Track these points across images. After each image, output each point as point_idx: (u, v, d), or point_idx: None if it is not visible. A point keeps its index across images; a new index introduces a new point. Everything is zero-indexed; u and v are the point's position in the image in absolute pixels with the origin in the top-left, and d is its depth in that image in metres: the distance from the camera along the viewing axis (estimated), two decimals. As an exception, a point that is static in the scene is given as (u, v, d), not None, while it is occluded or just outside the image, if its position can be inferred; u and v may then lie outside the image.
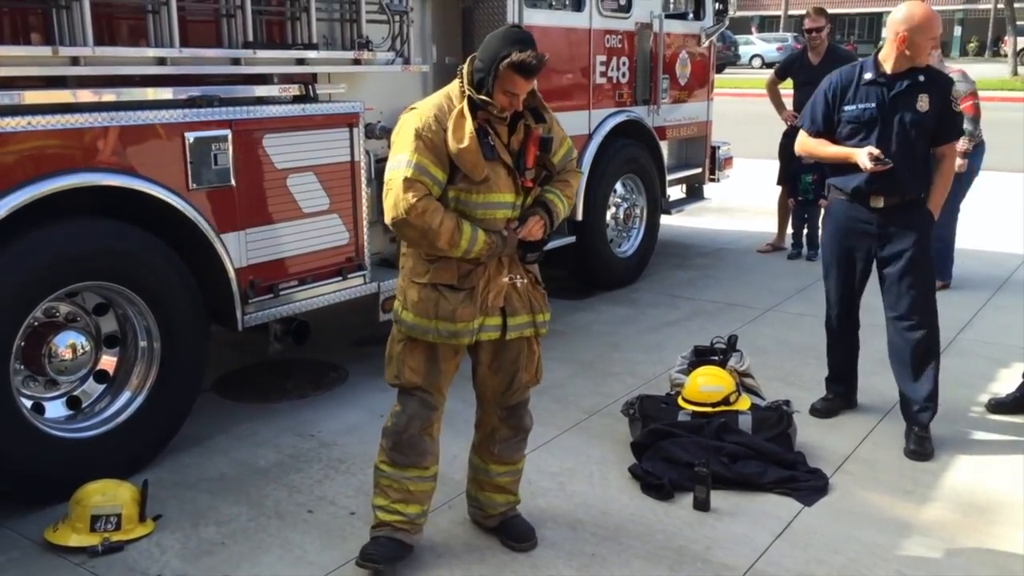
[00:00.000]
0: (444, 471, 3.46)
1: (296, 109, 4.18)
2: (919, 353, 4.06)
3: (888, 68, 3.95)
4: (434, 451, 3.16)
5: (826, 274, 4.35)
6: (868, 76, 4.00)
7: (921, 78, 3.93)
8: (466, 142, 2.86)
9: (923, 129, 3.94)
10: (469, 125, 2.88)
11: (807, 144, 4.21)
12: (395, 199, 2.87)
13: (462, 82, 2.96)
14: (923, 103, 3.92)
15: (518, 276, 3.08)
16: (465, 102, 2.91)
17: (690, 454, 3.72)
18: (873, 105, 3.96)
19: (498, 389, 3.18)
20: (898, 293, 4.07)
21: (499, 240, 2.96)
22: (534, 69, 2.85)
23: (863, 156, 3.87)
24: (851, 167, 3.98)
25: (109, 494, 3.31)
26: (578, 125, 6.12)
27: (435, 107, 2.94)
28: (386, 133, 4.80)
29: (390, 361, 3.12)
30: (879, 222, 4.05)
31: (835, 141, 4.08)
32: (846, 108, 4.03)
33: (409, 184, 2.85)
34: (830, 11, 7.90)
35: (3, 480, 3.38)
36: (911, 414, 4.11)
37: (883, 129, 3.94)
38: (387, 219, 2.93)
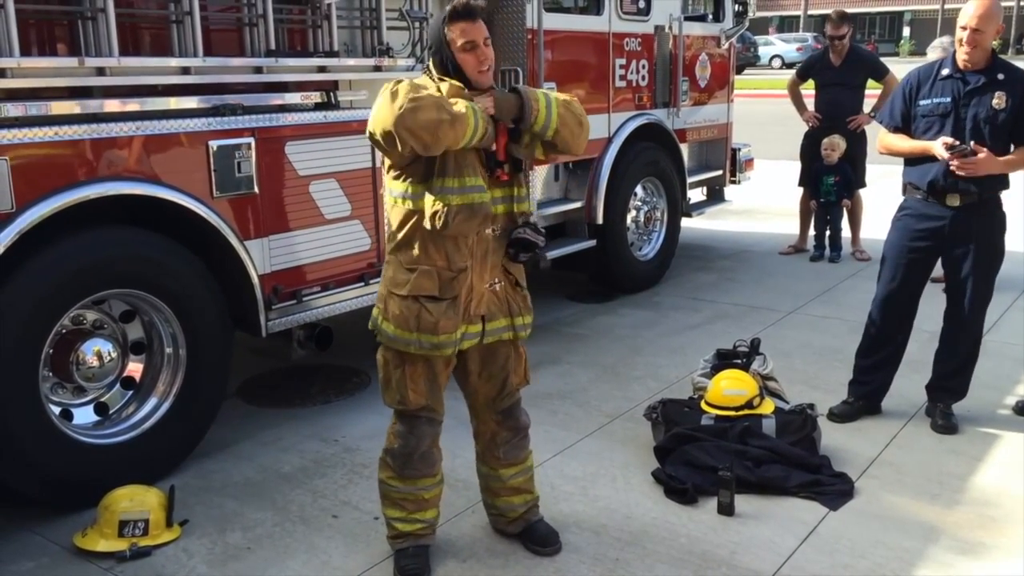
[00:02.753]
0: (465, 476, 3.48)
1: (318, 116, 4.21)
2: (960, 340, 4.21)
3: (962, 64, 3.96)
4: (440, 457, 3.18)
5: (883, 271, 4.30)
6: (945, 71, 4.03)
7: (1000, 76, 3.94)
8: (446, 88, 2.82)
9: (998, 126, 3.93)
10: (445, 84, 2.84)
11: (885, 140, 4.24)
12: (395, 91, 2.71)
13: (431, 75, 2.93)
14: (999, 100, 3.92)
15: (497, 280, 3.05)
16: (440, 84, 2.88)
17: (714, 458, 3.70)
18: (948, 99, 3.99)
19: (490, 395, 3.18)
20: (960, 290, 4.14)
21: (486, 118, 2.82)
22: (470, 9, 2.83)
23: (938, 146, 3.89)
24: (926, 163, 4.00)
25: (137, 499, 3.35)
26: (598, 128, 6.10)
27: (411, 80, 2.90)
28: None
29: (387, 386, 3.05)
30: (952, 220, 4.04)
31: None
32: (921, 102, 4.06)
33: (402, 82, 2.76)
34: (850, 11, 7.85)
35: (33, 486, 3.42)
36: (938, 391, 4.26)
37: (956, 124, 3.96)
38: (392, 116, 2.67)
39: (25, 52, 3.34)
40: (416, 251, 2.93)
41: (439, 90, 2.84)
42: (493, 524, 3.40)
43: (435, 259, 2.92)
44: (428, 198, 2.84)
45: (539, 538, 3.30)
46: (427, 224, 2.85)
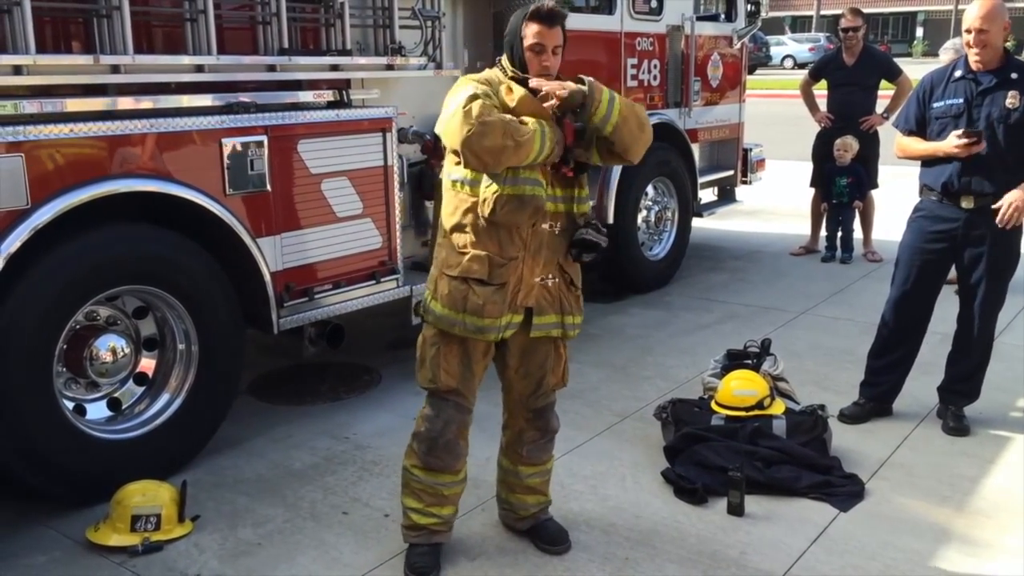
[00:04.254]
0: (476, 474, 3.49)
1: (330, 115, 4.22)
2: (973, 342, 4.19)
3: (975, 65, 3.95)
4: (465, 454, 3.17)
5: (897, 273, 4.29)
6: (958, 73, 4.04)
7: (1014, 75, 3.94)
8: (518, 95, 2.86)
9: (1011, 126, 3.92)
10: (516, 87, 2.89)
11: (900, 144, 4.24)
12: (468, 110, 2.75)
13: (502, 67, 3.00)
14: (1013, 100, 3.91)
15: (550, 276, 3.06)
16: (507, 77, 2.95)
17: (724, 458, 3.70)
18: (960, 100, 3.99)
19: (525, 392, 3.19)
20: (973, 293, 4.14)
21: (555, 132, 2.86)
22: (552, 14, 2.89)
23: (951, 139, 3.91)
24: (941, 165, 4.00)
25: (149, 494, 3.37)
26: (609, 128, 6.10)
27: (484, 77, 2.98)
28: (419, 137, 4.85)
29: (423, 364, 3.10)
30: (966, 222, 4.03)
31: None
32: (935, 105, 4.07)
33: (478, 97, 2.79)
34: (863, 11, 7.81)
35: (46, 480, 3.45)
36: (950, 393, 4.25)
37: (969, 124, 3.96)
38: (460, 136, 2.74)
39: (41, 49, 3.36)
40: (470, 235, 2.97)
41: (510, 90, 2.87)
42: (503, 519, 3.41)
43: (487, 245, 2.95)
44: (482, 184, 2.88)
45: (549, 537, 3.30)
46: (479, 210, 2.89)
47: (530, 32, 2.90)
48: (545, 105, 2.86)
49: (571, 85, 2.88)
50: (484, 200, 2.87)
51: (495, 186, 2.84)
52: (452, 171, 2.99)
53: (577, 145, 2.96)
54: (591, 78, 2.94)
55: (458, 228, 3.00)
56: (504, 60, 3.02)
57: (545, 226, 2.99)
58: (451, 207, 3.01)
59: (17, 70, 3.29)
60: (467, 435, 3.16)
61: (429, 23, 4.74)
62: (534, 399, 3.19)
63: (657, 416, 4.18)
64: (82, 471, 3.51)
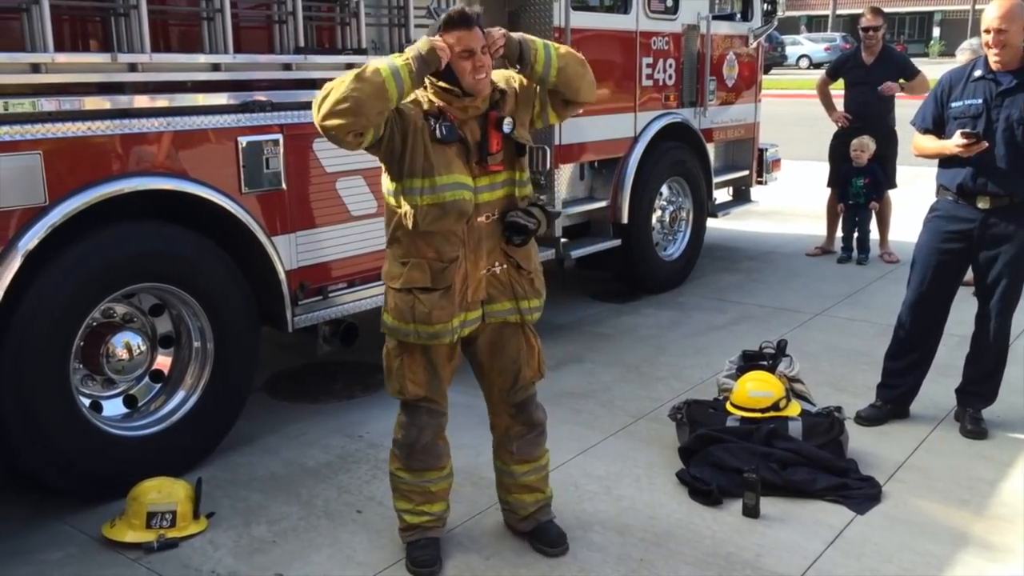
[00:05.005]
0: (488, 474, 3.48)
1: (346, 113, 4.21)
2: (991, 344, 4.16)
3: (994, 65, 3.93)
4: (447, 451, 3.21)
5: (913, 273, 4.26)
6: (977, 73, 4.00)
7: None
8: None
9: None
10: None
11: (916, 142, 4.22)
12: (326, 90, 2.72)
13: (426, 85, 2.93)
14: None
15: (496, 264, 3.03)
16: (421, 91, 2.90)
17: (739, 460, 3.68)
18: (979, 101, 3.96)
19: (503, 388, 3.19)
20: (990, 294, 4.10)
21: (417, 53, 2.75)
22: (465, 16, 2.80)
23: (955, 138, 3.89)
24: (956, 165, 3.98)
25: (164, 491, 3.38)
26: (623, 128, 6.10)
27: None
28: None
29: (389, 375, 3.10)
30: (983, 222, 4.01)
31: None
32: (953, 105, 4.04)
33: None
34: (882, 10, 7.76)
35: (63, 476, 3.47)
36: (968, 395, 4.23)
37: (988, 125, 3.92)
38: (315, 117, 2.74)
39: (59, 48, 3.38)
40: (406, 245, 2.97)
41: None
42: (505, 520, 3.41)
43: (424, 251, 2.95)
44: (402, 197, 2.90)
45: (547, 539, 3.29)
46: (404, 222, 2.91)
47: (452, 40, 2.80)
48: (492, 51, 2.84)
49: (510, 34, 2.88)
50: (405, 213, 2.90)
51: (415, 197, 2.86)
52: (383, 182, 3.00)
53: (515, 129, 2.94)
54: (519, 33, 2.94)
55: (394, 240, 3.00)
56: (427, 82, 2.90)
57: (482, 219, 2.96)
58: (387, 219, 3.03)
59: (35, 68, 3.31)
60: (445, 435, 3.19)
61: (444, 22, 4.72)
62: (513, 393, 3.19)
63: (672, 417, 4.17)
64: (98, 467, 3.53)
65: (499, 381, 3.18)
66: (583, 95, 3.05)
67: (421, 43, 2.80)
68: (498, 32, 2.88)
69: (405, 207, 2.89)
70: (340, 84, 2.70)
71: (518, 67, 2.93)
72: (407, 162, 2.87)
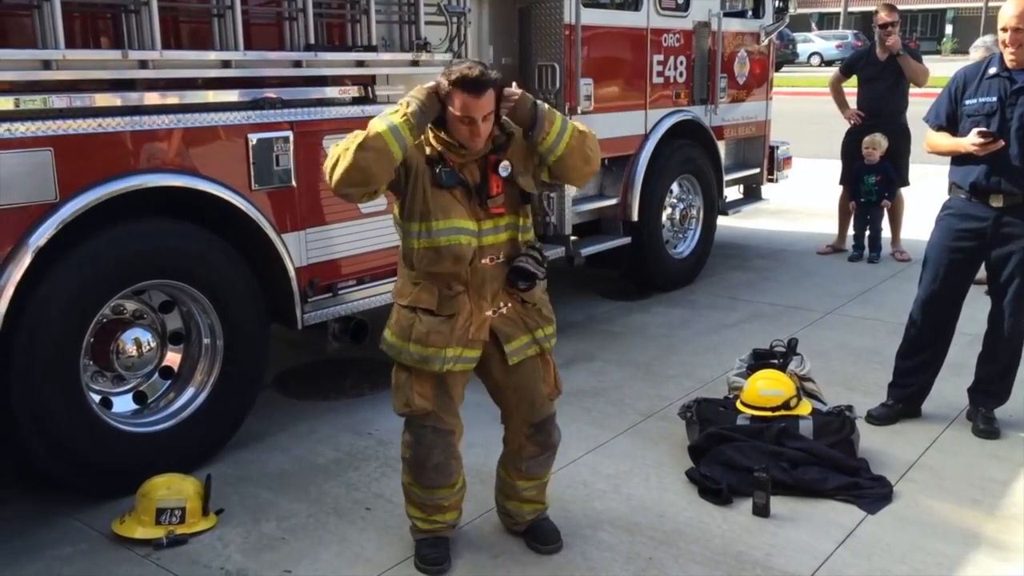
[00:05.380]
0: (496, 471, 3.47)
1: (356, 110, 4.22)
2: (1003, 343, 4.13)
3: (1010, 63, 3.90)
4: (459, 467, 3.17)
5: (925, 272, 4.24)
6: (992, 70, 3.98)
7: None
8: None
9: None
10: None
11: (929, 139, 4.20)
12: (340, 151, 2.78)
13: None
14: None
15: (502, 305, 3.03)
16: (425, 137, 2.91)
17: (749, 459, 3.66)
18: (994, 99, 3.93)
19: (521, 408, 3.15)
20: (1003, 293, 4.07)
21: (417, 106, 2.79)
22: (480, 82, 2.75)
23: (971, 136, 3.86)
24: (969, 162, 3.96)
25: (174, 488, 3.39)
26: (634, 125, 6.08)
27: None
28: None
29: (397, 390, 3.08)
30: (996, 220, 3.98)
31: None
32: (967, 102, 4.01)
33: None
34: (895, 7, 7.71)
35: (73, 472, 3.48)
36: (980, 395, 4.20)
37: (1002, 123, 3.90)
38: (331, 184, 2.79)
39: (70, 44, 3.38)
40: (418, 270, 2.99)
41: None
42: (501, 521, 3.40)
43: (433, 279, 2.97)
44: (403, 237, 2.97)
45: (542, 536, 3.28)
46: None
47: (458, 103, 2.77)
48: (505, 110, 2.87)
49: (516, 104, 2.86)
50: (405, 255, 2.97)
51: (412, 240, 2.91)
52: (394, 210, 3.04)
53: (519, 176, 2.94)
54: (546, 105, 2.93)
55: (408, 262, 3.02)
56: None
57: (485, 261, 2.97)
58: (401, 240, 3.04)
59: (46, 65, 3.31)
60: (457, 454, 3.15)
61: (455, 19, 4.72)
62: (531, 413, 3.15)
63: (681, 415, 4.15)
64: (108, 464, 3.54)
65: (515, 399, 3.15)
66: (571, 182, 3.14)
67: (418, 92, 2.82)
68: (514, 94, 2.86)
69: (404, 249, 2.99)
70: (345, 153, 2.75)
71: (525, 133, 2.92)
72: (407, 204, 2.91)
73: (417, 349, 2.96)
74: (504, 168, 2.92)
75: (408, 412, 3.07)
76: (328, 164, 2.80)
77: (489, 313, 3.01)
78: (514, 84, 2.93)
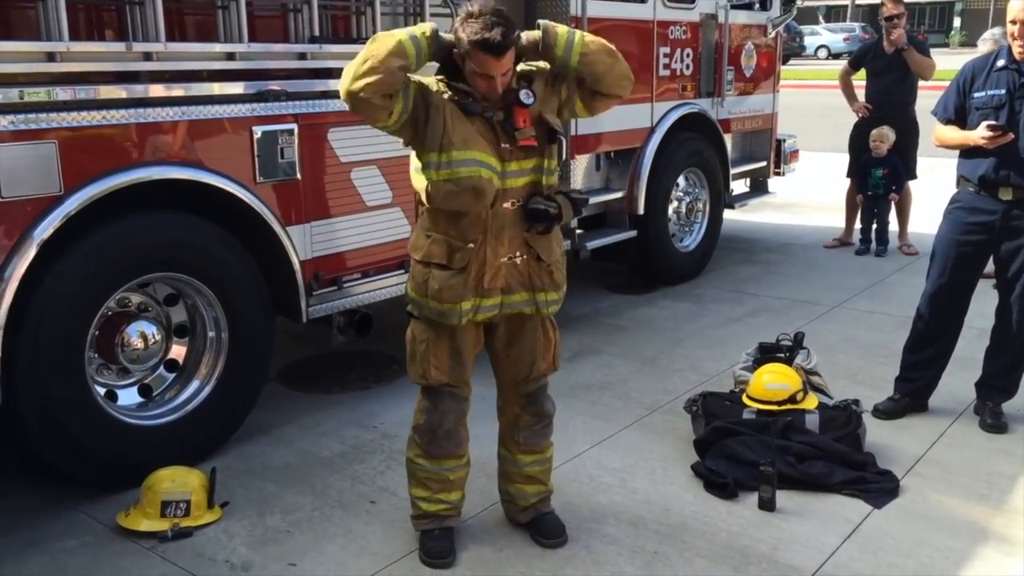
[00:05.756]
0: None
1: (360, 103, 4.20)
2: (1011, 337, 4.10)
3: (1019, 56, 3.88)
4: (467, 439, 3.21)
5: (933, 265, 4.21)
6: (1001, 63, 3.95)
7: None
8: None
9: None
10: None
11: (937, 133, 4.17)
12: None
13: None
14: None
15: (517, 254, 2.98)
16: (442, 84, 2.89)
17: (755, 453, 3.65)
18: (1002, 91, 3.91)
19: (516, 378, 3.17)
20: (1012, 287, 4.05)
21: (434, 32, 2.78)
22: (500, 46, 2.70)
23: (980, 129, 3.84)
24: (978, 155, 3.93)
25: (179, 480, 3.39)
26: (640, 118, 6.06)
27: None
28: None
29: (413, 360, 3.08)
30: (1005, 214, 3.96)
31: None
32: (976, 95, 3.99)
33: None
34: (901, 0, 7.66)
35: (78, 465, 3.48)
36: (988, 389, 4.18)
37: (1011, 116, 3.87)
38: (343, 96, 2.77)
39: (74, 36, 3.37)
40: (431, 221, 2.97)
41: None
42: (505, 512, 3.39)
43: (446, 229, 2.93)
44: (421, 172, 2.89)
45: (546, 530, 3.27)
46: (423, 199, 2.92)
47: (478, 62, 2.75)
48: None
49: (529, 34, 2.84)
50: (421, 190, 2.89)
51: (431, 172, 2.84)
52: (412, 161, 2.99)
53: (529, 125, 2.87)
54: (546, 21, 2.88)
55: (424, 212, 3.02)
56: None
57: (507, 205, 2.92)
58: (416, 196, 3.04)
59: (50, 57, 3.30)
60: (466, 422, 3.18)
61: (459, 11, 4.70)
62: (525, 384, 3.17)
63: (687, 409, 4.14)
64: (113, 456, 3.54)
65: (513, 371, 3.17)
66: (609, 85, 2.95)
67: (430, 32, 2.80)
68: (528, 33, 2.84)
69: (420, 183, 2.89)
70: (359, 54, 2.73)
71: (540, 51, 2.88)
72: (427, 134, 2.84)
73: (435, 305, 2.95)
74: (526, 95, 2.85)
75: (425, 383, 3.08)
76: (344, 72, 2.74)
77: (503, 260, 2.96)
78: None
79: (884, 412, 4.27)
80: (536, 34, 2.86)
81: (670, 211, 6.51)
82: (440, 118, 2.83)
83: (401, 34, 2.74)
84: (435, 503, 3.18)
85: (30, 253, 3.18)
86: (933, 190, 7.75)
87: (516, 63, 2.87)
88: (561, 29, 2.87)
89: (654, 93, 6.11)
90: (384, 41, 2.72)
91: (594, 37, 2.94)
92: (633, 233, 6.12)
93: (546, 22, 2.88)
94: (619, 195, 6.07)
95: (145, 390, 3.81)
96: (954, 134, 4.06)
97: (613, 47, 2.94)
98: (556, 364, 3.21)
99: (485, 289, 2.96)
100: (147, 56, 3.57)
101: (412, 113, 2.83)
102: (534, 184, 2.96)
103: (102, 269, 3.43)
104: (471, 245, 2.91)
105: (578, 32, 2.91)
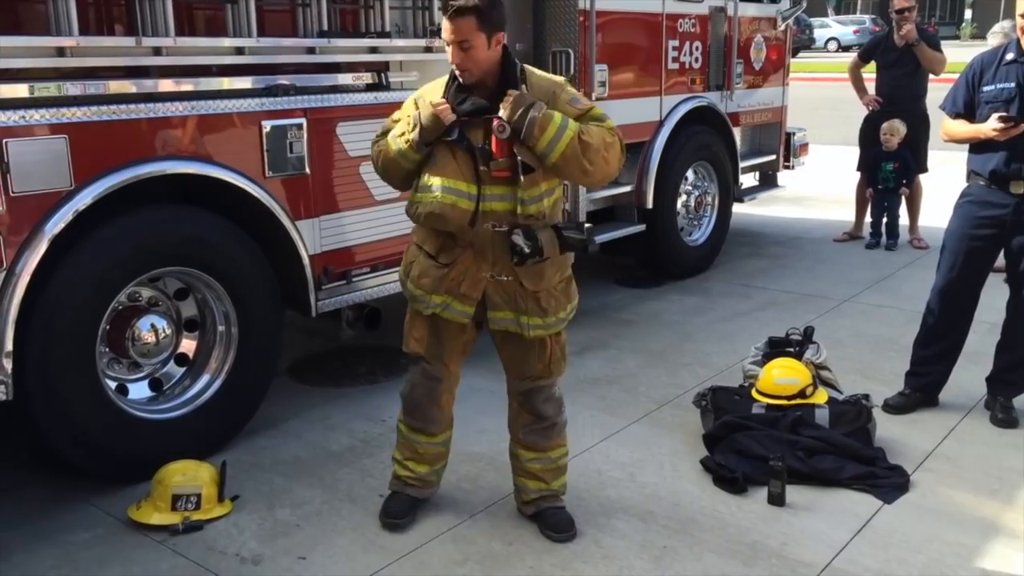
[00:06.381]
0: (508, 460, 3.46)
1: (369, 97, 4.21)
2: (1022, 332, 4.10)
3: None
4: (441, 420, 3.30)
5: (943, 259, 4.20)
6: (1010, 56, 3.94)
7: None
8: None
9: None
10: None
11: (946, 126, 4.16)
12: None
13: None
14: None
15: (504, 275, 3.01)
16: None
17: (765, 447, 3.64)
18: (1012, 84, 3.89)
19: (513, 375, 3.23)
20: (1021, 281, 4.04)
21: (419, 122, 2.93)
22: (457, 9, 2.78)
23: (991, 121, 3.83)
24: (988, 150, 3.91)
25: (189, 474, 3.40)
26: (649, 111, 6.04)
27: (417, 93, 3.14)
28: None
29: (405, 332, 3.24)
30: (1016, 208, 3.94)
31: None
32: (985, 88, 3.97)
33: (375, 143, 3.17)
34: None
35: (89, 458, 3.50)
36: (998, 384, 4.17)
37: (1021, 109, 3.86)
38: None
39: (84, 31, 3.38)
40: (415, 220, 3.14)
41: (416, 105, 3.00)
42: (515, 499, 3.41)
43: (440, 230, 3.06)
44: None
45: (555, 524, 3.27)
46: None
47: (444, 26, 2.86)
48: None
49: (512, 104, 2.83)
50: (408, 205, 3.10)
51: (415, 195, 3.03)
52: None
53: (503, 156, 2.88)
54: (543, 112, 2.83)
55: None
56: None
57: (487, 226, 2.96)
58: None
59: (60, 52, 3.31)
60: (442, 403, 3.26)
61: (469, 5, 4.69)
62: (520, 383, 3.21)
63: (696, 403, 4.13)
64: (124, 450, 3.55)
65: (509, 368, 3.23)
66: (581, 183, 3.23)
67: (424, 112, 2.93)
68: (509, 95, 2.84)
69: (409, 201, 3.09)
70: (374, 162, 3.15)
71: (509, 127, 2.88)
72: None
73: (411, 287, 3.12)
74: (500, 128, 2.86)
75: (406, 351, 3.24)
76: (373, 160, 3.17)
77: (487, 275, 3.02)
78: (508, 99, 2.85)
79: (894, 407, 4.25)
80: (515, 113, 2.81)
81: (679, 205, 6.49)
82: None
83: (394, 153, 3.02)
84: (403, 468, 3.33)
85: (41, 248, 3.19)
86: (944, 184, 7.70)
87: (506, 62, 2.94)
88: (546, 133, 2.82)
89: (663, 87, 6.09)
90: (384, 166, 3.09)
91: (582, 146, 2.85)
92: (642, 227, 6.11)
93: (538, 115, 2.81)
94: (628, 189, 6.05)
95: (155, 384, 3.83)
96: (964, 128, 4.04)
97: (594, 164, 2.88)
98: (552, 369, 3.18)
99: (460, 294, 3.03)
100: (156, 51, 3.58)
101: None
102: (512, 212, 2.95)
103: (112, 264, 3.44)
104: (459, 249, 3.01)
105: (564, 139, 2.83)
